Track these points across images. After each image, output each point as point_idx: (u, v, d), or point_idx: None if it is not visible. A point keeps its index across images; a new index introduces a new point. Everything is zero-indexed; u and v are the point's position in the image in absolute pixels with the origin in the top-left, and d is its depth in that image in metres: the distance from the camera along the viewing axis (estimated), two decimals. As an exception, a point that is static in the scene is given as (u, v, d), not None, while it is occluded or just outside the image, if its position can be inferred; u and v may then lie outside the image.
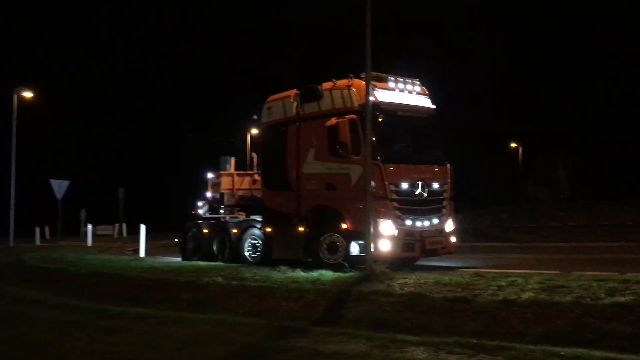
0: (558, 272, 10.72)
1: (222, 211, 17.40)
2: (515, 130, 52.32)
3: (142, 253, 19.29)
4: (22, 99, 31.67)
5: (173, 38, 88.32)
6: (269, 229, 14.28)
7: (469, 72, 60.50)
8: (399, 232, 12.07)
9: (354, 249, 12.23)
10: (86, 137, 64.09)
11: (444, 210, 13.06)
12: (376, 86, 12.57)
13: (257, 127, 15.01)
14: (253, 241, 15.04)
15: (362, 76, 12.53)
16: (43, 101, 38.42)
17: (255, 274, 11.81)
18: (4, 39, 77.68)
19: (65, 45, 77.94)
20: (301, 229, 13.28)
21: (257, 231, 14.89)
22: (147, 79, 78.85)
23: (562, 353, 6.59)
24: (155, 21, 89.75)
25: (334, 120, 12.46)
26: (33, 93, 32.32)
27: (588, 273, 10.42)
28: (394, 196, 12.16)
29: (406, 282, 9.85)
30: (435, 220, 12.82)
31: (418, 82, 13.47)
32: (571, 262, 13.48)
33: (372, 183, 11.47)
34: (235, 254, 15.12)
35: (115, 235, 41.31)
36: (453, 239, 13.31)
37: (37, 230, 35.17)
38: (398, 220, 12.10)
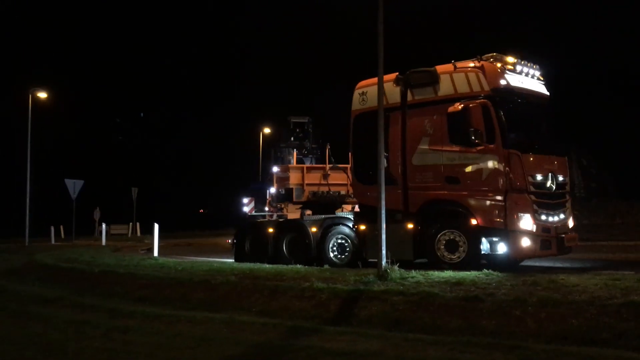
0: (573, 271, 10.63)
1: (267, 209, 16.90)
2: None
3: (155, 252, 19.33)
4: (37, 100, 31.95)
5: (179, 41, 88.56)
6: (363, 227, 13.15)
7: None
8: (537, 228, 11.18)
9: (484, 246, 11.39)
10: (100, 137, 64.62)
11: (568, 205, 12.24)
12: (507, 70, 11.78)
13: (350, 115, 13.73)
14: (340, 241, 13.95)
15: (491, 60, 11.82)
16: (58, 101, 38.75)
17: (268, 273, 11.82)
18: (19, 39, 78.35)
19: (80, 45, 78.41)
20: (410, 226, 12.21)
21: (346, 230, 13.84)
22: (162, 78, 79.16)
23: (576, 352, 6.52)
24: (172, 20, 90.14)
25: (458, 106, 11.41)
26: (47, 93, 32.59)
27: (603, 272, 10.32)
28: (532, 188, 11.28)
29: (419, 281, 9.82)
30: (562, 215, 11.92)
31: (537, 67, 12.62)
32: (586, 261, 13.36)
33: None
34: (316, 256, 14.00)
35: (129, 235, 41.54)
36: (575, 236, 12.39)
37: (52, 229, 35.46)
38: (535, 215, 11.18)
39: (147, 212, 42.11)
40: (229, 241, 17.45)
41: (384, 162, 11.17)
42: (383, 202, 10.91)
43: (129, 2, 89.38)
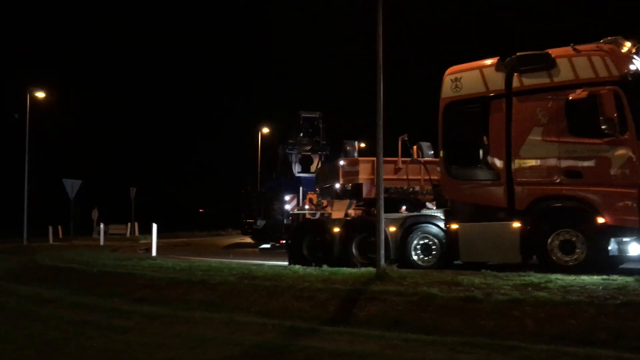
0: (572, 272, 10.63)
1: (307, 207, 16.25)
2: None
3: (154, 252, 19.33)
4: (34, 99, 31.90)
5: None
6: (455, 226, 12.13)
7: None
8: None
9: (612, 247, 10.37)
10: (98, 136, 64.63)
11: None
12: (634, 54, 10.92)
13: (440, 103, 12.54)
14: (425, 241, 12.83)
15: (613, 44, 10.92)
16: (56, 101, 38.71)
17: (267, 273, 11.82)
18: (17, 38, 78.29)
19: (79, 45, 78.41)
20: (516, 225, 11.17)
21: (433, 229, 12.73)
22: (159, 78, 79.12)
23: (575, 353, 6.54)
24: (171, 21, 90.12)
25: (582, 93, 10.44)
26: (45, 93, 32.54)
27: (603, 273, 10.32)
28: None
29: (418, 281, 9.82)
30: None
31: None
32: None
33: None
34: (395, 258, 12.62)
35: (128, 234, 41.49)
36: None
37: (50, 229, 35.38)
38: None
39: (145, 212, 42.08)
40: (282, 242, 16.44)
41: (381, 159, 11.16)
42: (382, 202, 10.95)
43: (129, 3, 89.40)
